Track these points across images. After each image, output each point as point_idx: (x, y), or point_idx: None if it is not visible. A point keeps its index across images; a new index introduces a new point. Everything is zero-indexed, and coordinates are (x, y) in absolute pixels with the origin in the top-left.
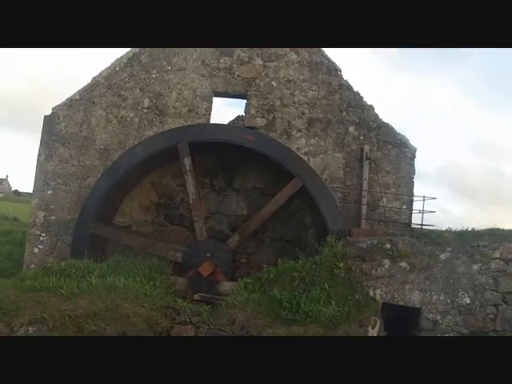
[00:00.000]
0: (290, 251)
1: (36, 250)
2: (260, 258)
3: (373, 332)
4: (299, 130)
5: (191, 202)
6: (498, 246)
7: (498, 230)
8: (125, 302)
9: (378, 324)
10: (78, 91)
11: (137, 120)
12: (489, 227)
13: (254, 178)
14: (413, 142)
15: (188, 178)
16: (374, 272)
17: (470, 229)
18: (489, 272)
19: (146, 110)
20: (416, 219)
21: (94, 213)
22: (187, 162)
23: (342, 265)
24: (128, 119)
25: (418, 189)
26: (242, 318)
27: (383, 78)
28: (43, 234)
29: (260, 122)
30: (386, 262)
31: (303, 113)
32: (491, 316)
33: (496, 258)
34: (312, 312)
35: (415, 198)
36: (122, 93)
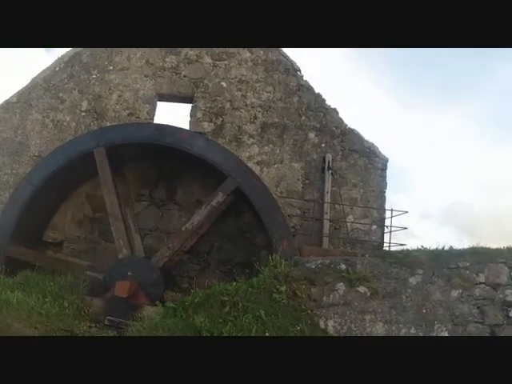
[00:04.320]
0: (239, 275)
1: None
2: (204, 283)
3: None
4: (251, 136)
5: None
6: (483, 268)
7: (482, 248)
8: (16, 320)
9: None
10: (17, 92)
11: (74, 124)
12: (471, 246)
13: (199, 190)
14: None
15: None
16: (325, 298)
17: (446, 248)
18: (472, 300)
19: (83, 114)
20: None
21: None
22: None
23: (283, 288)
24: (64, 123)
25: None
26: None
27: (382, 109)
28: None
29: (207, 126)
30: (341, 287)
31: (256, 117)
32: None
33: (481, 283)
34: None
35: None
36: (60, 95)
